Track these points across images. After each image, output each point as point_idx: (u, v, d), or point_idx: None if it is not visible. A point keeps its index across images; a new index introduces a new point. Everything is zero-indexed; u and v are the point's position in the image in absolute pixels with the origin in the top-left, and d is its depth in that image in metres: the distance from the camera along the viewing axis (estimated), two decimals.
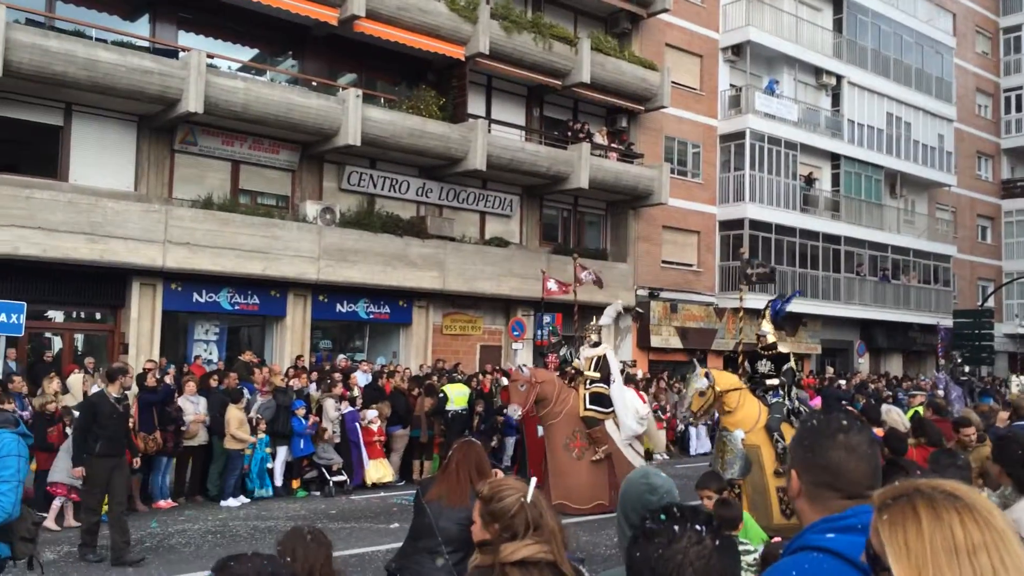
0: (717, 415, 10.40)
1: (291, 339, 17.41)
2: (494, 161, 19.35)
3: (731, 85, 26.64)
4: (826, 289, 27.46)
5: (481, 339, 20.88)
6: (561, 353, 15.10)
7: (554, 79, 21.08)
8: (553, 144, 21.56)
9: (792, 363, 10.91)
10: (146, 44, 16.20)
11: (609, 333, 23.15)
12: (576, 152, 21.12)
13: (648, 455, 18.65)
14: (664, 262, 24.67)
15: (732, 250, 25.82)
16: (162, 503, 12.00)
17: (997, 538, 1.35)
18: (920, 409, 11.46)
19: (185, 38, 16.97)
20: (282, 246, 16.68)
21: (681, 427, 19.36)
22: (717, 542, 1.68)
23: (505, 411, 13.60)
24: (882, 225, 29.86)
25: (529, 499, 2.75)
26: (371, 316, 18.91)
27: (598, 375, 12.38)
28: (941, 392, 20.14)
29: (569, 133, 22.21)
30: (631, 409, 12.46)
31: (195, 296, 16.30)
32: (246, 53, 18.42)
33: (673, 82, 23.78)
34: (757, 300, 22.10)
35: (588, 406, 12.05)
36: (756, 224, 25.56)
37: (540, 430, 12.42)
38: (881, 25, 30.28)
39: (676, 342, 24.24)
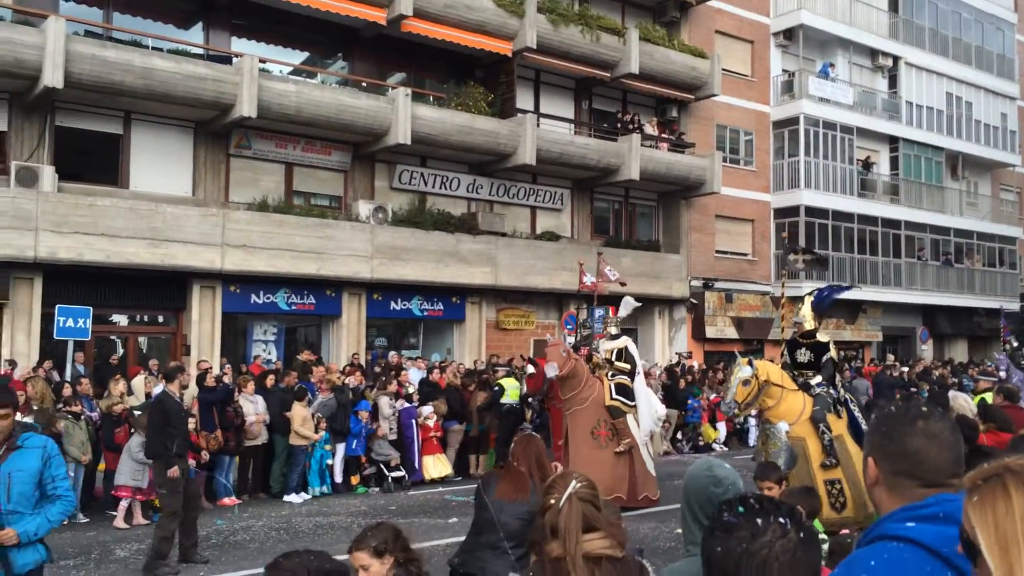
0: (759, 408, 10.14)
1: (347, 337, 17.62)
2: (544, 155, 19.31)
3: (783, 70, 26.15)
4: (886, 275, 26.83)
5: (534, 333, 20.87)
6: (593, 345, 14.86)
7: (602, 71, 20.93)
8: (603, 136, 21.42)
9: (833, 352, 10.55)
10: (200, 51, 16.53)
11: (664, 326, 22.99)
12: (626, 144, 20.95)
13: (708, 446, 18.52)
14: (718, 252, 24.36)
15: (788, 238, 25.37)
16: (226, 500, 12.25)
17: None
18: (988, 396, 11.11)
19: (238, 44, 17.27)
20: (336, 246, 16.89)
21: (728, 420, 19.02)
22: (801, 534, 1.64)
23: (530, 400, 13.74)
24: (943, 208, 29.04)
25: (563, 501, 2.72)
26: (425, 313, 19.04)
27: (627, 366, 12.20)
28: (1003, 375, 19.54)
29: (619, 125, 22.04)
30: (651, 407, 12.29)
31: (253, 297, 16.59)
32: (297, 56, 18.67)
33: (723, 69, 23.42)
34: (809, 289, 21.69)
35: (615, 396, 11.80)
36: (812, 211, 25.07)
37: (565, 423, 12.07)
38: (939, 3, 29.42)
39: (732, 332, 23.93)
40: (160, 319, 16.67)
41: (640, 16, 22.98)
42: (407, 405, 14.19)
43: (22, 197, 13.84)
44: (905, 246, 27.50)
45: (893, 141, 28.16)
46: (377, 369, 16.05)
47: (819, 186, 25.31)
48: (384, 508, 12.15)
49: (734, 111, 24.93)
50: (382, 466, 13.69)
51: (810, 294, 11.46)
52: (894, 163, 28.30)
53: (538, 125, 19.72)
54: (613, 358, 12.30)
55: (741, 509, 1.67)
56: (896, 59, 28.10)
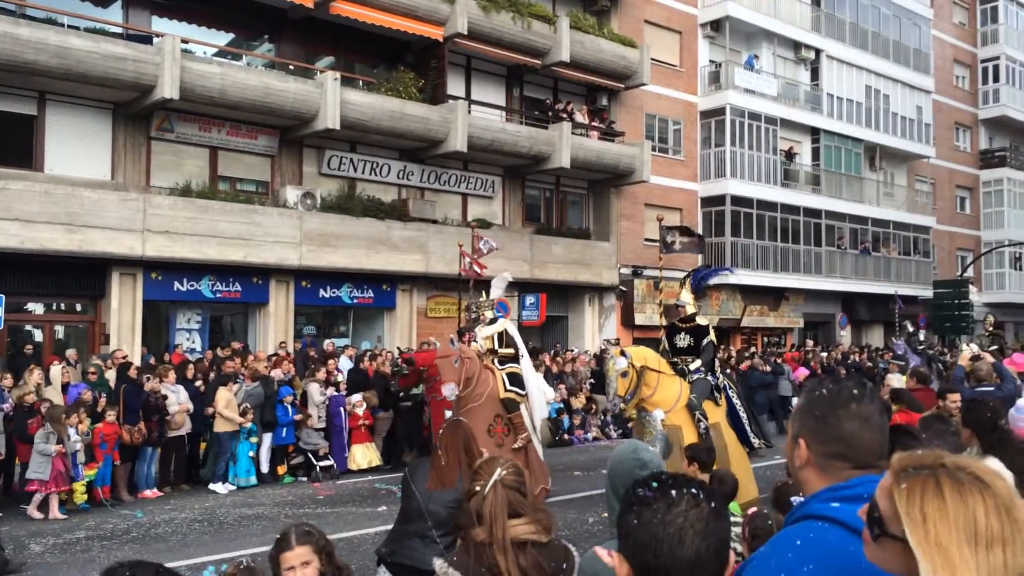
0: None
1: (274, 326, 17.34)
2: (475, 142, 19.26)
3: (711, 61, 26.59)
4: (807, 263, 27.61)
5: (464, 321, 20.83)
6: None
7: (533, 58, 20.96)
8: (534, 124, 21.48)
9: (712, 336, 10.22)
10: (119, 30, 15.97)
11: (594, 313, 23.23)
12: (557, 131, 21.05)
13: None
14: (647, 240, 24.68)
15: (715, 226, 25.90)
16: (148, 493, 11.96)
17: (1015, 531, 1.33)
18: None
19: (159, 23, 16.74)
20: (263, 232, 16.57)
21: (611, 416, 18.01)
22: (712, 504, 1.68)
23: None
24: (862, 198, 30.01)
25: (488, 488, 2.74)
26: (355, 301, 18.85)
27: (512, 351, 11.14)
28: (900, 361, 20.38)
29: (550, 112, 22.13)
30: (541, 391, 11.39)
31: (176, 285, 16.17)
32: (222, 38, 18.19)
33: (653, 59, 23.71)
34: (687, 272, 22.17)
35: (508, 387, 10.71)
36: (738, 200, 25.62)
37: (448, 415, 10.64)
38: None
39: (660, 319, 24.28)
40: (78, 307, 16.11)
41: (571, 4, 23.06)
42: (336, 394, 14.05)
43: None
44: (826, 235, 28.33)
45: (815, 132, 28.94)
46: (313, 354, 15.83)
47: (744, 176, 25.87)
48: (311, 498, 12.02)
49: (663, 101, 25.26)
50: (310, 455, 13.53)
51: (688, 276, 11.15)
52: (815, 154, 29.09)
53: (469, 112, 19.66)
54: (495, 345, 11.20)
55: (655, 484, 1.70)
56: (818, 52, 28.84)
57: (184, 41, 15.74)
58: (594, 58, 21.89)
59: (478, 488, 2.73)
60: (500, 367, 10.85)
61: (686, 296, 10.57)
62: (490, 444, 10.28)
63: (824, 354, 23.80)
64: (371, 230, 18.24)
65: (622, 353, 9.32)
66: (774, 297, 27.22)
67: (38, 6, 15.20)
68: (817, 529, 1.81)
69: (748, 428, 10.45)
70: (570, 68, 21.57)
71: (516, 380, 10.83)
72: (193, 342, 16.64)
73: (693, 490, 1.68)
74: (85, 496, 11.14)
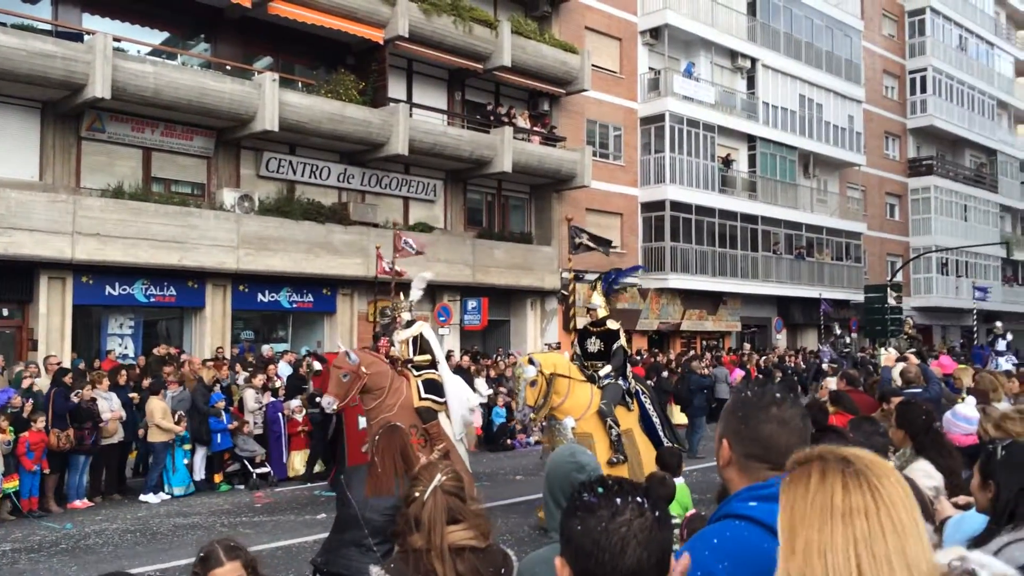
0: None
1: (211, 330, 16.99)
2: (416, 146, 19.18)
3: (650, 68, 26.94)
4: (744, 268, 28.14)
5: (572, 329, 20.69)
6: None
7: (475, 63, 20.97)
8: (476, 128, 21.48)
9: (623, 340, 9.92)
10: (48, 27, 15.48)
11: (536, 318, 23.31)
12: (499, 136, 21.08)
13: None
14: None
15: (655, 231, 26.22)
16: (78, 503, 11.59)
17: (881, 503, 1.42)
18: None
19: (90, 21, 16.28)
20: (199, 235, 16.23)
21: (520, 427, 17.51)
22: (657, 513, 1.69)
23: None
24: (796, 204, 30.72)
25: (427, 494, 2.72)
26: (294, 305, 18.58)
27: (428, 358, 10.56)
28: (826, 365, 20.93)
29: (491, 117, 22.16)
30: (463, 399, 10.64)
31: (107, 289, 15.74)
32: (156, 36, 17.77)
33: (593, 65, 23.93)
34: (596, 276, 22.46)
35: (423, 395, 10.17)
36: (677, 205, 25.99)
37: (362, 421, 10.73)
38: (793, 8, 31.02)
39: (572, 325, 24.48)
40: (4, 312, 15.51)
41: (512, 9, 23.14)
42: (273, 400, 13.82)
43: None
44: (762, 240, 28.92)
45: (751, 140, 29.54)
46: (251, 360, 15.54)
47: (683, 181, 26.26)
48: (248, 506, 11.80)
49: (604, 106, 25.50)
50: (246, 462, 13.28)
51: (599, 279, 10.89)
52: (752, 160, 29.69)
53: (411, 115, 19.57)
54: (410, 351, 10.71)
55: (600, 490, 1.69)
56: (754, 61, 29.46)
57: (116, 39, 15.35)
58: (536, 63, 22.00)
59: (417, 494, 2.71)
60: (417, 374, 10.31)
61: (597, 299, 10.25)
62: None
63: (761, 357, 24.27)
64: (311, 234, 18.01)
65: (530, 361, 9.00)
66: (712, 301, 27.68)
67: None
68: (734, 527, 1.85)
69: (662, 433, 9.97)
70: (512, 73, 21.64)
71: (433, 387, 10.28)
72: (126, 348, 16.21)
73: (638, 499, 1.68)
74: None
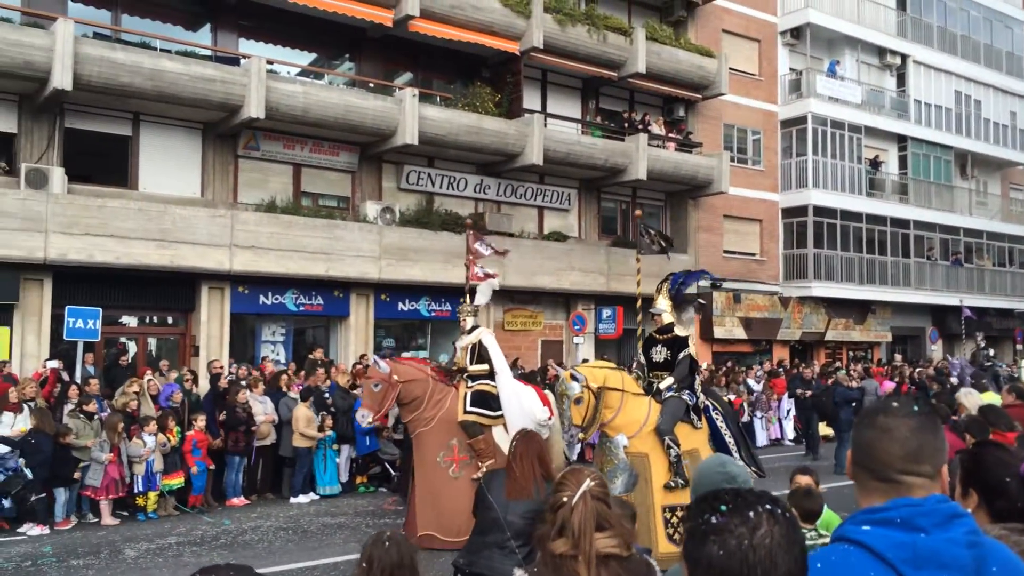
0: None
1: (355, 338, 17.65)
2: (551, 155, 19.31)
3: (791, 69, 26.10)
4: (895, 275, 26.73)
5: (542, 334, 20.87)
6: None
7: (609, 70, 20.92)
8: (610, 136, 21.40)
9: (691, 349, 8.96)
10: (208, 53, 16.57)
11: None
12: (633, 143, 20.93)
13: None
14: (726, 252, 24.32)
15: (796, 238, 25.33)
16: (235, 501, 12.28)
17: None
18: (996, 397, 11.03)
19: (245, 45, 17.31)
20: (344, 247, 16.91)
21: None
22: (788, 515, 1.63)
23: (353, 415, 10.69)
24: (953, 207, 28.93)
25: (575, 499, 2.70)
26: (432, 314, 19.05)
27: (486, 368, 9.88)
28: (955, 380, 19.37)
29: (626, 124, 22.03)
30: (527, 413, 9.63)
31: (261, 298, 16.63)
32: (304, 57, 18.71)
33: (731, 68, 23.39)
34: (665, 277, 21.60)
35: (469, 408, 9.53)
36: (820, 210, 25.00)
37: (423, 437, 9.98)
38: (947, 1, 29.32)
39: (740, 332, 23.88)
40: (169, 320, 16.71)
41: (647, 15, 22.96)
42: None
43: (32, 199, 13.89)
44: (914, 246, 27.40)
45: (901, 140, 28.07)
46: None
47: (827, 185, 25.23)
48: (392, 508, 12.14)
49: (742, 110, 24.88)
50: (387, 465, 13.70)
51: (665, 281, 9.55)
52: (903, 162, 28.20)
53: (545, 125, 19.72)
54: (468, 359, 10.04)
55: (724, 508, 1.61)
56: (904, 57, 28.01)
57: (269, 62, 16.25)
58: (671, 69, 21.72)
59: (565, 499, 2.70)
60: (470, 384, 9.68)
61: (663, 303, 9.16)
62: (441, 473, 9.31)
63: (914, 369, 22.94)
64: (448, 244, 18.42)
65: (573, 376, 7.94)
66: (860, 310, 26.43)
67: (132, 30, 15.92)
68: (841, 552, 1.77)
69: (737, 455, 8.55)
70: (646, 79, 21.44)
71: (483, 400, 9.55)
72: (277, 354, 17.07)
73: (767, 506, 1.62)
74: (156, 505, 11.41)
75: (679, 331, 9.01)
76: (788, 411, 19.73)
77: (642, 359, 9.23)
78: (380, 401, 9.13)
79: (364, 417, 9.21)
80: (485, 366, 9.87)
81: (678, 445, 8.22)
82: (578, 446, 8.63)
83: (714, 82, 22.70)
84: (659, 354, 8.92)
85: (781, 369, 21.70)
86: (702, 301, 23.18)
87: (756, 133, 25.36)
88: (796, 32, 25.87)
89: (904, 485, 1.81)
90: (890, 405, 1.94)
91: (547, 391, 11.00)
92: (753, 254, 25.13)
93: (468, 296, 10.88)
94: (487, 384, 9.62)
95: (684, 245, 23.40)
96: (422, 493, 9.30)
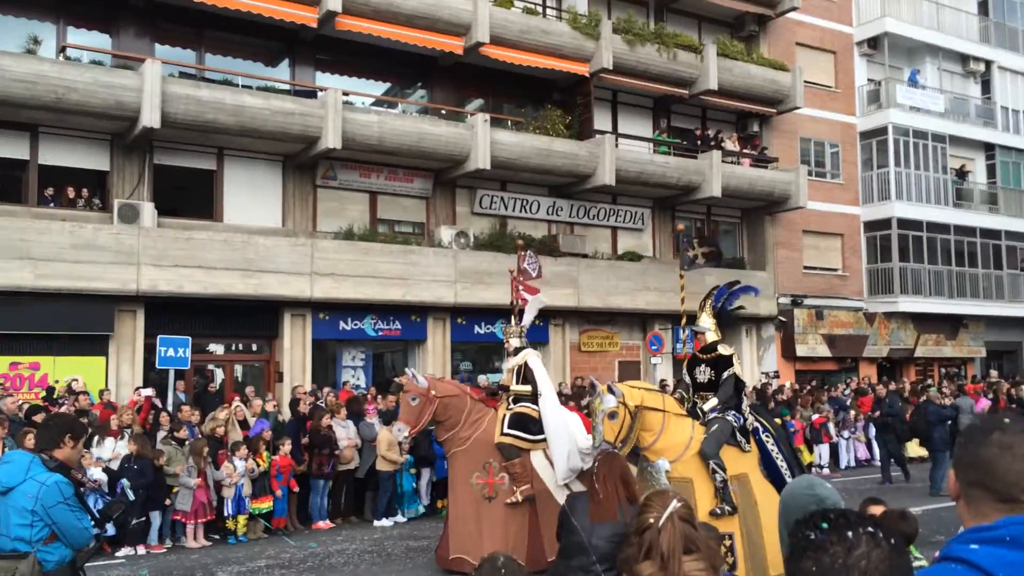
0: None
1: (432, 362, 17.81)
2: (623, 175, 19.25)
3: (869, 80, 25.49)
4: (987, 287, 25.68)
5: (619, 355, 20.72)
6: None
7: (680, 88, 20.79)
8: (682, 154, 21.23)
9: (736, 368, 8.42)
10: (287, 87, 17.11)
11: (752, 345, 22.47)
12: (707, 160, 20.71)
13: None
14: (806, 268, 23.77)
15: (880, 252, 24.61)
16: (321, 524, 12.48)
17: None
18: None
19: (322, 78, 17.81)
20: (420, 272, 17.15)
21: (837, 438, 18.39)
22: (892, 541, 1.59)
23: (395, 430, 10.21)
24: None
25: (662, 521, 2.66)
26: None
27: (528, 390, 9.55)
28: None
29: (699, 142, 21.83)
30: (571, 439, 9.04)
31: (341, 324, 16.96)
32: (378, 87, 19.14)
33: (806, 81, 22.98)
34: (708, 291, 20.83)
35: (506, 430, 9.17)
36: (905, 223, 24.24)
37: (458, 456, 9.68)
38: None
39: (824, 350, 23.26)
40: (254, 347, 17.18)
41: (717, 32, 22.77)
42: None
43: (124, 233, 14.52)
44: (1007, 257, 26.31)
45: (989, 148, 27.07)
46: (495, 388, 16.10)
47: (911, 197, 24.47)
48: None
49: (819, 123, 24.39)
50: None
51: (708, 297, 9.16)
52: (991, 171, 27.17)
53: (616, 145, 19.69)
54: (513, 380, 9.78)
55: (825, 525, 1.61)
56: (988, 63, 27.08)
57: (345, 93, 16.67)
58: (743, 84, 21.47)
59: (652, 520, 2.67)
60: (511, 406, 9.42)
61: (706, 321, 8.74)
62: (473, 494, 9.11)
63: (1012, 387, 21.93)
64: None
65: (610, 390, 7.54)
66: (951, 325, 25.46)
67: (215, 68, 16.56)
68: (949, 571, 1.69)
69: (790, 478, 7.98)
70: (719, 96, 21.24)
71: (522, 423, 9.26)
72: (358, 379, 17.35)
73: (869, 529, 1.59)
74: (245, 528, 11.66)
75: (723, 349, 8.58)
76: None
77: (687, 379, 8.81)
78: (417, 415, 8.98)
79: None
80: (528, 388, 9.59)
81: (724, 470, 7.74)
82: None
83: (789, 96, 22.34)
84: (703, 374, 8.53)
85: (867, 388, 21.03)
86: (782, 319, 22.68)
87: (834, 146, 24.81)
88: (873, 42, 25.28)
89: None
90: (1002, 422, 1.87)
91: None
92: (835, 269, 24.50)
93: (514, 317, 10.53)
94: (528, 407, 9.32)
95: (762, 262, 22.97)
96: (455, 515, 9.12)
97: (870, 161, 24.99)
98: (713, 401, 8.19)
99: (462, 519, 8.99)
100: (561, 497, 8.56)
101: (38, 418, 9.44)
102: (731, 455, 7.86)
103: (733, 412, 8.11)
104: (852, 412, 18.94)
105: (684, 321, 9.83)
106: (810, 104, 23.48)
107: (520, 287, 11.30)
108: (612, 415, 7.40)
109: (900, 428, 16.76)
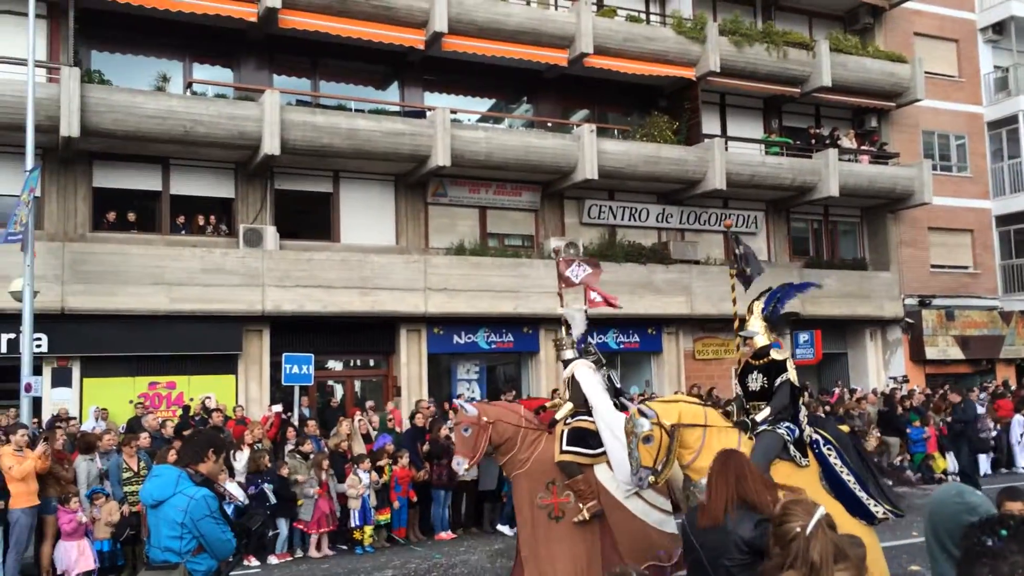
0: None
1: (545, 373, 17.85)
2: (734, 179, 18.85)
3: (996, 67, 24.15)
4: None
5: (735, 362, 20.19)
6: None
7: (791, 87, 20.22)
8: (796, 154, 20.62)
9: (791, 374, 7.64)
10: (397, 109, 17.57)
11: (877, 349, 21.54)
12: (822, 159, 20.05)
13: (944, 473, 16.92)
14: (934, 266, 22.64)
15: (1015, 247, 23.21)
16: (443, 534, 12.66)
17: None
18: None
19: (430, 98, 18.21)
20: (531, 284, 17.24)
21: None
22: None
23: (455, 464, 9.17)
24: None
25: (810, 529, 2.57)
26: (621, 346, 18.96)
27: (570, 407, 8.96)
28: None
29: (813, 140, 21.15)
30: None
31: (455, 338, 17.23)
32: (484, 104, 19.41)
33: (927, 72, 21.95)
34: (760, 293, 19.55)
35: (565, 447, 8.62)
36: None
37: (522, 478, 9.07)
38: None
39: (956, 352, 22.07)
40: (372, 363, 17.66)
41: (829, 26, 22.05)
42: None
43: (250, 256, 15.22)
44: None
45: None
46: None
47: None
48: None
49: (941, 115, 23.25)
50: None
51: (759, 299, 8.43)
52: None
53: (726, 148, 19.31)
54: (565, 393, 9.30)
55: (1004, 532, 1.55)
56: None
57: (452, 111, 17.00)
58: (859, 79, 20.70)
59: (798, 528, 2.59)
60: (568, 421, 8.85)
61: (756, 324, 8.04)
62: (540, 516, 8.67)
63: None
64: (633, 275, 18.34)
65: (641, 412, 6.96)
66: None
67: (329, 95, 17.18)
68: None
69: (863, 493, 7.34)
70: (833, 92, 20.54)
71: (579, 438, 8.72)
72: (472, 391, 17.57)
73: None
74: (372, 539, 11.89)
75: (776, 355, 7.83)
76: (1022, 435, 18.01)
77: (738, 388, 8.11)
78: (473, 446, 8.51)
79: (460, 465, 8.59)
80: (570, 405, 8.98)
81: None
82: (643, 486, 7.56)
83: (908, 88, 21.40)
84: (755, 382, 7.78)
85: (1007, 391, 19.82)
86: (909, 320, 21.67)
87: (960, 138, 23.59)
88: (999, 27, 23.96)
89: None
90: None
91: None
92: (965, 267, 23.24)
93: (564, 327, 10.01)
94: (586, 420, 8.74)
95: (886, 262, 22.02)
96: (523, 538, 8.69)
97: (1000, 152, 23.66)
98: (765, 411, 7.49)
99: (531, 542, 8.64)
100: (633, 508, 8.55)
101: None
102: (784, 470, 7.16)
103: (787, 424, 7.41)
104: (988, 417, 17.87)
105: (737, 325, 9.12)
106: (932, 95, 22.42)
107: (594, 293, 10.87)
108: (647, 439, 6.89)
109: (974, 437, 15.77)
